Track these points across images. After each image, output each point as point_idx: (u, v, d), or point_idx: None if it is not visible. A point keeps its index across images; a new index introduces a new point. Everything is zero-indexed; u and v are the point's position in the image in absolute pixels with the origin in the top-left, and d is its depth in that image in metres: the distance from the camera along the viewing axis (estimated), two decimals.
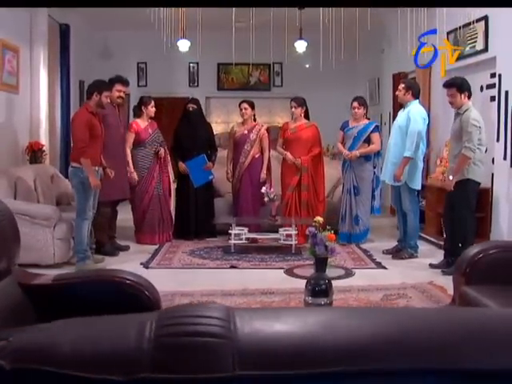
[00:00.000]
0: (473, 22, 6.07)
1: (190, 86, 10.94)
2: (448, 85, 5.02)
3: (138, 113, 6.33)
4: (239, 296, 4.30)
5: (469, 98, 4.98)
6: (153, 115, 6.28)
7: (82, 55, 9.04)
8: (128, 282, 2.47)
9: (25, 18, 6.88)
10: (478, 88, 6.32)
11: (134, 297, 2.45)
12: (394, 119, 7.14)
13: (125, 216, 6.59)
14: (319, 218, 3.53)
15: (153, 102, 6.27)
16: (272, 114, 11.14)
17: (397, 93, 5.69)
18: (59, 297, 2.49)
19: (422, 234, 6.51)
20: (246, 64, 10.30)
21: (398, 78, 8.25)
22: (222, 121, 11.13)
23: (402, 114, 5.65)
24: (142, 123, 6.24)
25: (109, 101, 5.25)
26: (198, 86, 10.94)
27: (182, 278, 4.94)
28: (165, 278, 4.93)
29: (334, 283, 4.62)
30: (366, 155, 6.25)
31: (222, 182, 6.93)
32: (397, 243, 5.90)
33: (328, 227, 3.42)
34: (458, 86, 4.93)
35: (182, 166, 6.45)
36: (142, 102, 6.30)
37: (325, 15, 6.93)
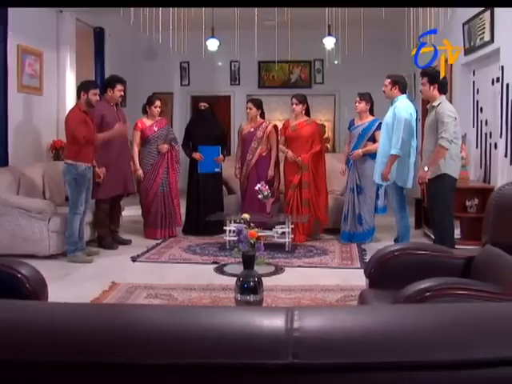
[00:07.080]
0: (481, 12, 5.77)
1: (231, 84, 11.11)
2: (422, 73, 5.02)
3: (144, 111, 6.52)
4: (198, 291, 4.37)
5: (441, 92, 4.78)
6: (156, 115, 6.44)
7: (121, 57, 9.42)
8: (7, 271, 2.67)
9: (50, 24, 7.31)
10: (489, 81, 5.99)
11: (13, 286, 2.64)
12: (423, 116, 6.92)
13: (136, 211, 6.85)
14: (246, 215, 3.52)
15: (157, 102, 6.40)
16: (313, 111, 10.87)
17: (383, 88, 5.51)
18: None
19: (429, 233, 6.27)
20: (286, 61, 10.31)
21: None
22: None
23: (389, 111, 5.47)
24: (147, 121, 6.43)
25: (98, 98, 5.44)
26: (239, 84, 11.08)
27: (160, 271, 5.07)
28: (144, 271, 5.11)
29: (299, 281, 4.65)
30: (371, 153, 6.09)
31: (234, 178, 7.01)
32: (393, 242, 5.70)
33: (252, 224, 3.41)
34: (428, 76, 4.85)
35: (196, 155, 6.62)
36: (148, 101, 6.47)
37: (363, 11, 6.83)
